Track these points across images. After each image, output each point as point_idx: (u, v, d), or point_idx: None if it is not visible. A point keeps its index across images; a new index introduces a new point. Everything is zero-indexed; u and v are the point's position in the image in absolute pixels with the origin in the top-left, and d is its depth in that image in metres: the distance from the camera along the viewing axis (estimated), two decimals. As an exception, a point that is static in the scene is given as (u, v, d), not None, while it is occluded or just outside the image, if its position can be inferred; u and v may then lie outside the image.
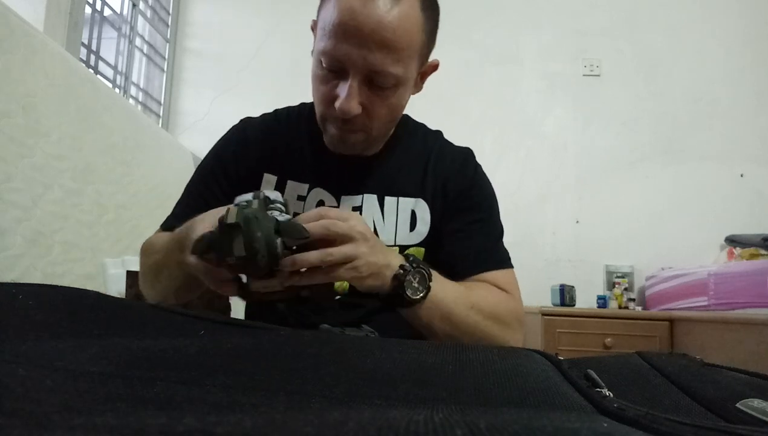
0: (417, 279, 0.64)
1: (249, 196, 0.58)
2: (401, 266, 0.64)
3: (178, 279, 0.72)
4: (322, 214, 0.59)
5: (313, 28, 0.76)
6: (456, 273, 0.75)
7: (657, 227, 2.50)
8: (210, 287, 0.61)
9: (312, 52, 0.75)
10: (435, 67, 0.78)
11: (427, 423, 0.20)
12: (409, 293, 0.63)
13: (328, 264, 0.57)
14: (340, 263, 0.58)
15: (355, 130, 0.74)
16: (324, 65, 0.70)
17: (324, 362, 0.38)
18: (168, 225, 0.82)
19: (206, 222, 0.60)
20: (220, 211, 0.56)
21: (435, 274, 0.67)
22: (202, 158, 0.89)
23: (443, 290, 0.67)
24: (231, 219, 0.51)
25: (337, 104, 0.69)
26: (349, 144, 0.76)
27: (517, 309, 0.77)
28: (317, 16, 0.73)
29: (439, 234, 0.82)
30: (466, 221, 0.82)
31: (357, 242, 0.59)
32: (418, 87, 0.79)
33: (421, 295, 0.64)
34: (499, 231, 0.85)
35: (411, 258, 0.66)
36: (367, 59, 0.67)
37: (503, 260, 0.82)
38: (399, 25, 0.66)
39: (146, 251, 0.79)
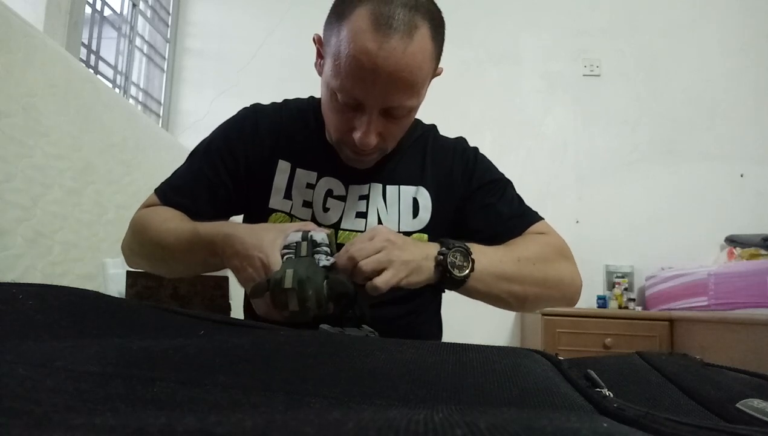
0: (458, 257, 0.67)
1: (298, 236, 0.64)
2: (439, 253, 0.67)
3: (194, 269, 0.79)
4: (348, 250, 0.64)
5: (316, 41, 0.75)
6: (495, 243, 0.78)
7: (657, 227, 2.50)
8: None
9: (315, 64, 0.77)
10: (439, 74, 0.79)
11: (427, 423, 0.19)
12: (456, 272, 0.66)
13: (366, 274, 0.62)
14: (380, 271, 0.62)
15: (372, 154, 0.77)
16: (339, 100, 0.70)
17: (324, 362, 0.38)
18: (167, 197, 0.82)
19: (247, 243, 0.64)
20: (261, 235, 0.64)
21: (473, 245, 0.70)
22: (208, 135, 0.87)
23: (485, 255, 0.70)
24: (287, 284, 0.57)
25: (357, 138, 0.71)
26: (365, 164, 0.79)
27: (558, 243, 0.81)
28: (323, 36, 0.72)
29: (444, 222, 0.85)
30: (487, 196, 0.86)
31: (386, 250, 0.63)
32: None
33: (468, 269, 0.67)
34: (519, 196, 0.89)
35: (446, 242, 0.69)
36: (386, 99, 0.68)
37: (533, 216, 0.86)
38: (415, 63, 0.66)
39: (149, 227, 0.78)
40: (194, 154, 0.86)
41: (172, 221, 0.77)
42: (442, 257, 0.66)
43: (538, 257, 0.76)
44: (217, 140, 0.85)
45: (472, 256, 0.68)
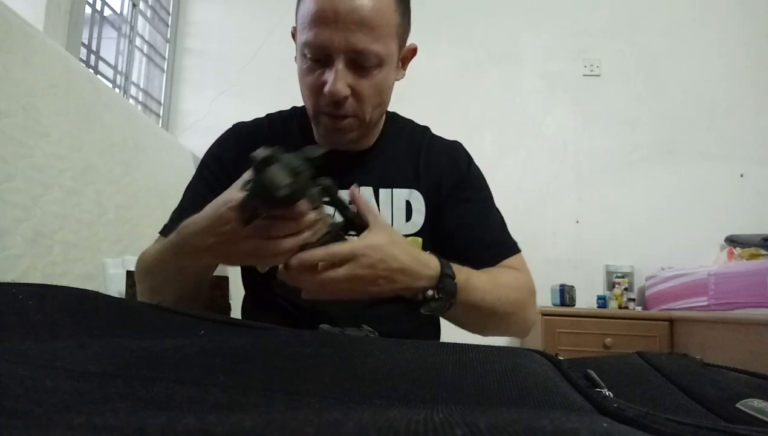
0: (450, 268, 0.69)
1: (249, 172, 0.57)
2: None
3: (180, 287, 0.73)
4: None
5: (294, 34, 0.79)
6: (467, 265, 0.78)
7: (657, 227, 2.50)
8: (266, 267, 0.65)
9: (295, 58, 0.79)
10: (414, 51, 0.81)
11: (427, 423, 0.20)
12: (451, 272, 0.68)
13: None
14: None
15: (347, 116, 0.76)
16: (308, 56, 0.73)
17: (323, 362, 0.38)
18: (165, 230, 0.83)
19: (202, 218, 0.63)
20: (216, 200, 0.63)
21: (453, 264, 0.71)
22: (199, 163, 0.90)
23: (469, 271, 0.72)
24: (263, 154, 0.49)
25: (326, 88, 0.72)
26: (343, 133, 0.78)
27: (528, 282, 0.82)
28: (295, 21, 0.77)
29: (436, 225, 0.85)
30: (468, 213, 0.85)
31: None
32: (400, 73, 0.82)
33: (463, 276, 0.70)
34: (501, 218, 0.89)
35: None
36: (349, 40, 0.70)
37: (512, 247, 0.86)
38: (373, 4, 0.70)
39: (143, 270, 0.78)
40: (187, 187, 0.89)
41: (154, 256, 0.76)
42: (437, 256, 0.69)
43: (511, 286, 0.78)
44: (202, 166, 0.88)
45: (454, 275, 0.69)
